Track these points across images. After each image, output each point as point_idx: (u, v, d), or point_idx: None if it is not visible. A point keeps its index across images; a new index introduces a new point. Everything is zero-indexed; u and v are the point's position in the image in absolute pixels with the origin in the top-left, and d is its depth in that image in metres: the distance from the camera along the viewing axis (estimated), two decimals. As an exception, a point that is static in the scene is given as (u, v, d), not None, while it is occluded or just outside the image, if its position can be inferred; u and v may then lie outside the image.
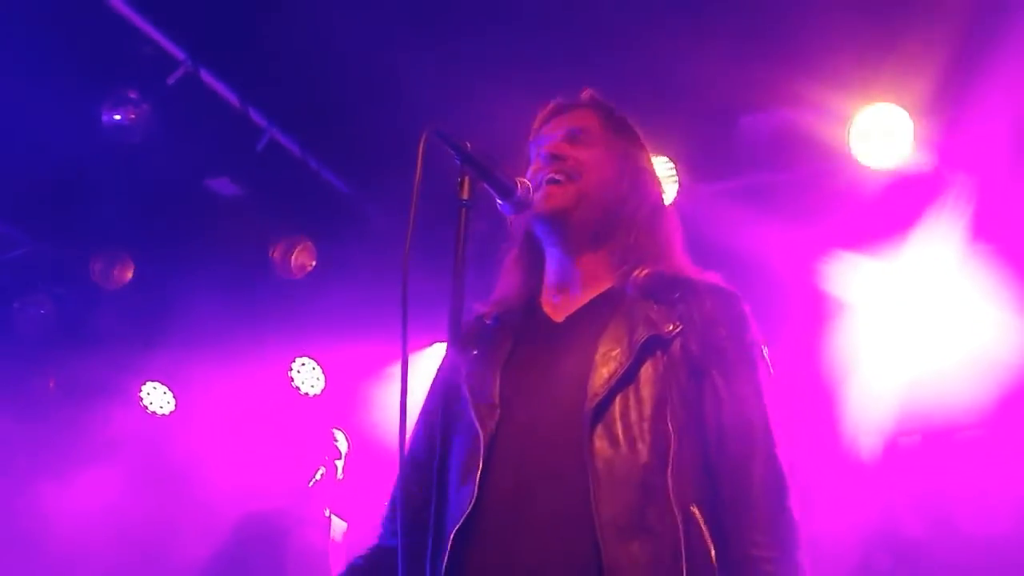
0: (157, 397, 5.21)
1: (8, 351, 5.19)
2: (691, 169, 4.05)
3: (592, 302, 1.88)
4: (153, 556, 4.87)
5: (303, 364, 4.98)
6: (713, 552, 1.63)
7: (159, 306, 4.98)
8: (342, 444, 4.44)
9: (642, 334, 1.74)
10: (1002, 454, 3.92)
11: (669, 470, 1.65)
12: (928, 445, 4.09)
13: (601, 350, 1.74)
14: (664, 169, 4.02)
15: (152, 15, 3.70)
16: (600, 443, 1.66)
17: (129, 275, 4.98)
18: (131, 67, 3.87)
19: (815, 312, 3.97)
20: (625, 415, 1.68)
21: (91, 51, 3.76)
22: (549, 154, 1.89)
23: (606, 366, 1.72)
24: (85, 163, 4.25)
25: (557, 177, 1.87)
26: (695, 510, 1.65)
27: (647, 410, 1.69)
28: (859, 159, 3.80)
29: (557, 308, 1.91)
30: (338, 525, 4.32)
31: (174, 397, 5.20)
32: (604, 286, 1.89)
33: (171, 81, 3.86)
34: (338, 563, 4.39)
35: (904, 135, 3.71)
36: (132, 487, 5.00)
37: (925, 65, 3.55)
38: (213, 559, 4.68)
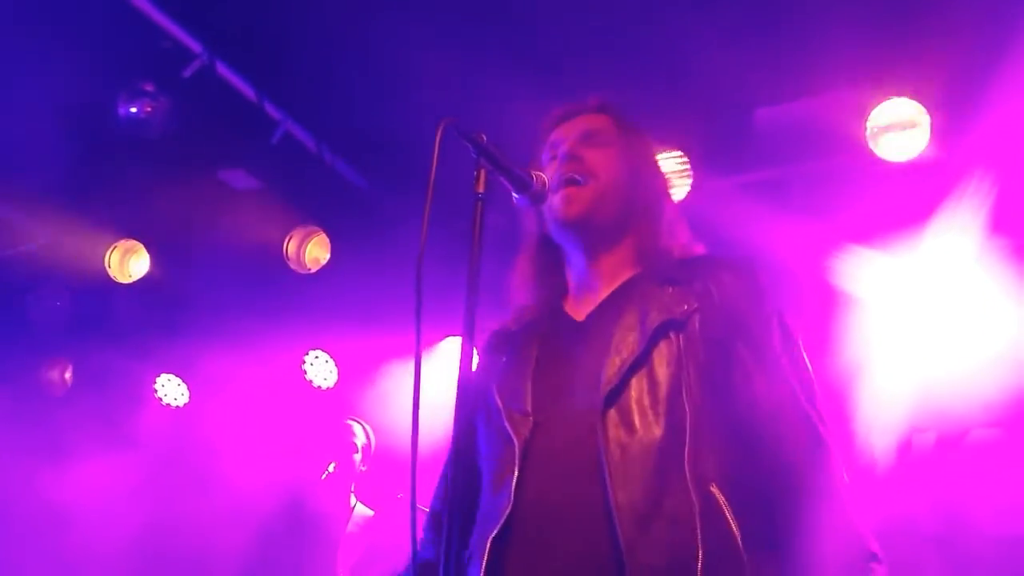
0: (171, 389, 5.24)
1: (24, 342, 5.22)
2: (705, 163, 4.04)
3: (611, 296, 1.89)
4: (167, 547, 4.90)
5: (316, 357, 5.00)
6: (738, 533, 1.60)
7: (174, 298, 5.01)
8: (359, 438, 4.44)
9: (655, 319, 1.74)
10: (1019, 453, 3.89)
11: (686, 450, 1.63)
12: (943, 443, 4.06)
13: (616, 339, 1.75)
14: (678, 163, 4.01)
15: (168, 8, 3.71)
16: (614, 430, 1.66)
17: (144, 267, 5.00)
18: (147, 60, 3.88)
19: (829, 308, 3.95)
20: (640, 400, 1.68)
21: (107, 44, 3.77)
22: (566, 154, 1.92)
23: (619, 354, 1.73)
24: (101, 156, 4.27)
25: (576, 177, 1.89)
26: (715, 491, 1.63)
27: (662, 392, 1.69)
28: (875, 153, 3.78)
29: (579, 307, 1.93)
30: (362, 512, 4.33)
31: (188, 389, 5.22)
32: (623, 278, 1.91)
33: (187, 74, 3.87)
34: (349, 552, 4.40)
35: (921, 128, 3.69)
36: (146, 479, 5.03)
37: (943, 57, 3.53)
38: (227, 551, 4.70)
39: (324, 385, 5.00)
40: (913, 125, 3.70)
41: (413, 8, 3.54)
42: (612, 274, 1.91)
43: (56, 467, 5.00)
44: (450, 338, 4.35)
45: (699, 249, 1.93)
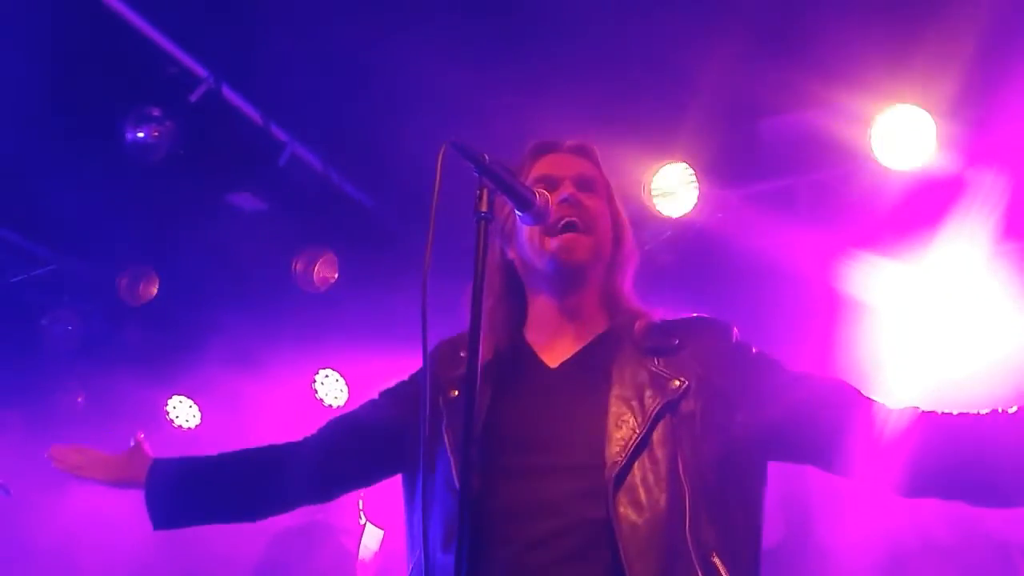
0: (183, 411, 5.24)
1: (35, 367, 5.24)
2: (713, 174, 4.04)
3: (588, 348, 1.91)
4: (180, 570, 4.89)
5: (327, 376, 5.00)
6: None
7: (184, 321, 5.02)
8: None
9: (654, 401, 1.77)
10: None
11: (687, 525, 1.68)
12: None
13: (612, 413, 1.76)
14: (684, 175, 4.02)
15: (174, 33, 3.74)
16: (624, 510, 1.67)
17: (154, 291, 5.02)
18: (154, 85, 3.91)
19: (838, 317, 3.93)
20: (645, 479, 1.71)
21: (113, 70, 3.80)
22: (570, 199, 1.91)
23: (619, 431, 1.74)
24: (109, 181, 4.29)
25: (578, 224, 1.89)
26: (716, 560, 1.68)
27: (662, 470, 1.71)
28: (882, 161, 3.77)
29: (549, 352, 1.92)
30: (373, 533, 4.33)
31: (200, 411, 5.23)
32: (597, 330, 1.93)
33: (193, 98, 3.89)
34: (367, 571, 4.39)
35: (928, 136, 3.68)
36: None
37: (949, 64, 3.52)
38: (241, 571, 4.69)
39: (335, 404, 5.00)
40: (919, 132, 3.69)
41: (417, 29, 3.55)
42: (584, 322, 1.93)
43: (69, 490, 5.01)
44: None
45: (659, 312, 1.96)
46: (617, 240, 1.99)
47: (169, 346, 5.11)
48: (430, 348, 1.92)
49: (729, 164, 4.06)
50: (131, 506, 5.00)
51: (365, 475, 2.14)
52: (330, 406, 5.00)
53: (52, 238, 5.03)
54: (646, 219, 3.99)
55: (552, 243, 1.88)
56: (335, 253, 4.69)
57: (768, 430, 1.80)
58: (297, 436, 5.13)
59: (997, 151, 3.65)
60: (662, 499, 1.68)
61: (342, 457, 2.09)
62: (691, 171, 3.99)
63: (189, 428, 5.24)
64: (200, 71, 3.88)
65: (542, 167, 1.99)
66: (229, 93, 3.99)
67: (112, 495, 4.98)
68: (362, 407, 2.20)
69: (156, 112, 3.95)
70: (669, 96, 3.75)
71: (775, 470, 1.87)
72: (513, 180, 1.74)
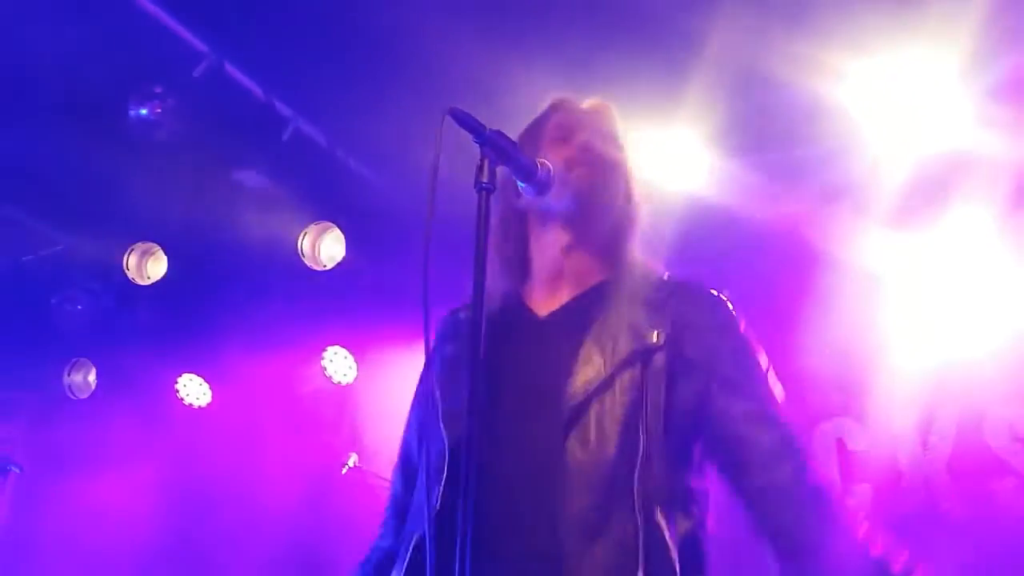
0: (193, 389, 5.25)
1: (46, 346, 5.26)
2: (722, 144, 4.01)
3: (579, 298, 1.92)
4: (194, 545, 4.93)
5: (335, 353, 5.00)
6: (678, 565, 1.64)
7: (193, 299, 5.03)
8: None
9: (625, 345, 1.78)
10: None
11: (636, 473, 1.67)
12: (963, 422, 4.00)
13: (583, 354, 1.78)
14: (695, 145, 3.99)
15: (176, 9, 3.72)
16: (572, 445, 1.69)
17: (162, 269, 5.02)
18: (156, 62, 3.89)
19: (846, 290, 3.90)
20: (600, 420, 1.71)
21: (116, 46, 3.78)
22: (587, 146, 1.93)
23: (584, 373, 1.76)
24: (115, 159, 4.28)
25: (596, 169, 1.92)
26: (660, 518, 1.66)
27: (620, 415, 1.72)
28: (888, 133, 3.73)
29: (542, 303, 1.94)
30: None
31: (210, 389, 5.24)
32: (592, 282, 1.94)
33: (196, 74, 3.87)
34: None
35: (936, 107, 3.64)
36: (170, 480, 5.05)
37: (958, 33, 3.47)
38: (253, 547, 4.72)
39: (344, 381, 5.01)
40: (928, 103, 3.65)
41: (420, 1, 3.52)
42: (582, 272, 1.94)
43: (80, 470, 5.05)
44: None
45: (660, 269, 1.98)
46: (628, 197, 2.00)
47: (178, 324, 5.11)
48: (436, 320, 1.99)
49: (739, 135, 4.03)
50: (148, 487, 5.03)
51: None
52: (339, 383, 5.00)
53: (60, 217, 5.03)
54: (650, 190, 3.96)
55: (570, 176, 1.88)
56: (341, 229, 4.67)
57: (702, 421, 1.80)
58: (308, 415, 5.13)
59: (1010, 119, 3.60)
60: (612, 442, 1.69)
61: None
62: (701, 142, 3.96)
63: (200, 407, 5.26)
64: (202, 47, 3.86)
65: (561, 118, 2.02)
66: (231, 69, 3.97)
67: (122, 480, 5.02)
68: (406, 442, 2.10)
69: (158, 89, 3.93)
70: (679, 67, 3.71)
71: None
72: (514, 150, 1.72)
